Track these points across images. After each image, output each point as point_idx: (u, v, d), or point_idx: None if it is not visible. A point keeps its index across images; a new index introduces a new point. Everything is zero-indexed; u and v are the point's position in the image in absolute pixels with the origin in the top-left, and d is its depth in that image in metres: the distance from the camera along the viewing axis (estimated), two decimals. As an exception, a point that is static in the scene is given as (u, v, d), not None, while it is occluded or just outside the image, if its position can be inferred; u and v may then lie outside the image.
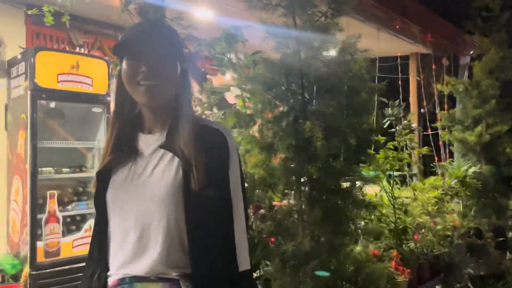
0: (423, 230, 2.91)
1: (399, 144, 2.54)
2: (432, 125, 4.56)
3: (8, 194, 3.41)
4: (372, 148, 2.42)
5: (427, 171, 4.28)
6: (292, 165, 1.64)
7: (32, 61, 3.08)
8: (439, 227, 2.93)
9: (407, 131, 2.48)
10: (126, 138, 1.17)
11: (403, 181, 3.39)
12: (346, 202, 1.78)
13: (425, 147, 2.75)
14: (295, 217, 1.78)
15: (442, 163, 4.26)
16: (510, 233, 3.84)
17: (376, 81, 4.03)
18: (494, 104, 3.86)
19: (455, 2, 4.23)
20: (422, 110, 4.77)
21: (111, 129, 1.20)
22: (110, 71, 3.34)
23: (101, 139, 3.47)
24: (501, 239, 3.59)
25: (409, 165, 3.63)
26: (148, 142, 1.16)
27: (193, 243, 1.07)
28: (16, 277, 3.23)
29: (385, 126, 3.32)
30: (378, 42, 3.65)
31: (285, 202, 1.85)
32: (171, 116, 1.15)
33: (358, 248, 2.00)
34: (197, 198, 1.05)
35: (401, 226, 2.82)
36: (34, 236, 3.07)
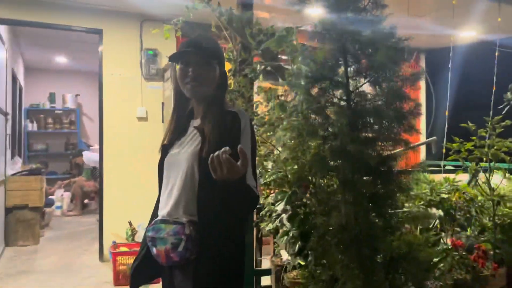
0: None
1: (495, 131, 2.34)
2: None
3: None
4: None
5: None
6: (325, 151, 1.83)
7: (175, 67, 3.87)
8: (560, 226, 2.55)
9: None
10: (182, 122, 1.63)
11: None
12: (387, 186, 1.87)
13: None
14: (338, 197, 1.96)
15: None
16: None
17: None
18: None
19: None
20: None
21: (172, 116, 1.68)
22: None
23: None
24: None
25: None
26: (192, 124, 1.60)
27: (200, 196, 1.44)
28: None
29: (503, 112, 3.01)
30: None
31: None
32: (207, 105, 1.56)
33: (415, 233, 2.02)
34: (207, 163, 1.37)
35: (508, 221, 2.58)
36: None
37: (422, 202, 2.66)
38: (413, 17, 3.83)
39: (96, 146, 6.78)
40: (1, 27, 4.66)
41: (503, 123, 2.33)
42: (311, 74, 1.96)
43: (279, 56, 2.55)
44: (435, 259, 2.37)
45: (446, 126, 2.80)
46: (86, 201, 7.71)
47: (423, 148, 5.14)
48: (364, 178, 1.89)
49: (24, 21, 4.28)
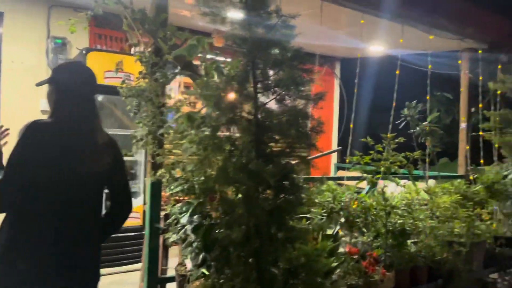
0: (423, 234, 2.87)
1: (388, 146, 2.55)
2: (480, 125, 4.28)
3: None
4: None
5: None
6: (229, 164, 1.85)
7: (84, 60, 3.66)
8: (441, 231, 2.87)
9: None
10: None
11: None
12: (287, 200, 1.94)
13: (419, 151, 2.68)
14: (240, 210, 1.99)
15: (486, 167, 4.01)
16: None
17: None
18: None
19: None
20: (472, 110, 4.48)
21: None
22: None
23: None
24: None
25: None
26: None
27: None
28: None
29: (400, 127, 3.29)
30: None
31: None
32: None
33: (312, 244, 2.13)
34: None
35: (398, 228, 2.83)
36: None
37: (324, 210, 2.83)
38: (328, 28, 4.02)
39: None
40: None
41: (397, 140, 2.55)
42: (221, 86, 1.96)
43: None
44: (334, 264, 2.52)
45: (350, 138, 2.98)
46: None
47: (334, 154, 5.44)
48: (268, 191, 1.95)
49: None
